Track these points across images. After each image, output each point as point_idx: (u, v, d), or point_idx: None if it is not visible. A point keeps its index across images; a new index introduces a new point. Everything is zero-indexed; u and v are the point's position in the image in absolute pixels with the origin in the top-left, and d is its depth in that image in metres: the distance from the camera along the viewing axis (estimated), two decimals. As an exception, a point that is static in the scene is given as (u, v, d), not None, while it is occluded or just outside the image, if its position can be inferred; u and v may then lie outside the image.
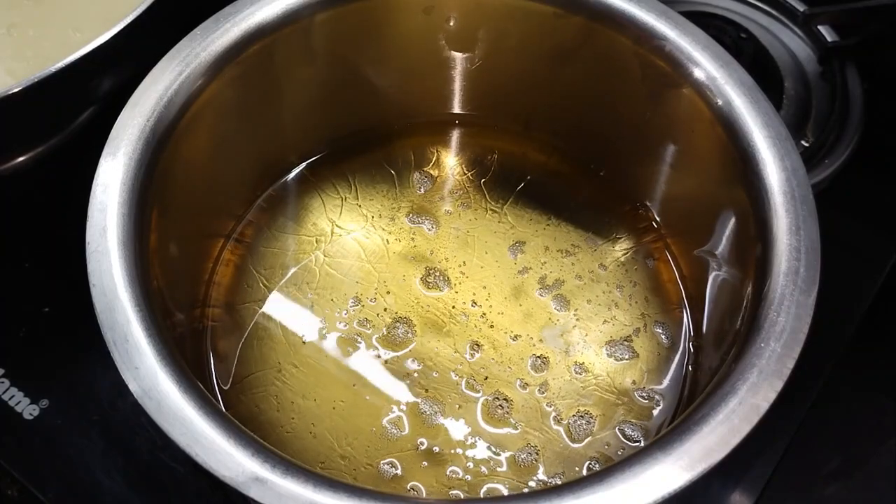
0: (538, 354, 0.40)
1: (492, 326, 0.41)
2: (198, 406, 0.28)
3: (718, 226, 0.38)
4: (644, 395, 0.39)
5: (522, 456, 0.37)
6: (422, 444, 0.38)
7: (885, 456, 0.42)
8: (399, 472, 0.37)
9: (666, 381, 0.40)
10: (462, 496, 0.36)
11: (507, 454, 0.37)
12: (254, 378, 0.39)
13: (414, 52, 0.44)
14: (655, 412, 0.39)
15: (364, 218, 0.45)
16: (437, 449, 0.37)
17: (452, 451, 0.37)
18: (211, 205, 0.42)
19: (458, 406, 0.38)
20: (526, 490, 0.36)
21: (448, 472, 0.37)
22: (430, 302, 0.42)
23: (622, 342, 0.41)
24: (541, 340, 0.40)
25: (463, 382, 0.39)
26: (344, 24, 0.40)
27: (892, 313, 0.46)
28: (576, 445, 0.38)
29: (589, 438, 0.38)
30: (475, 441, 0.38)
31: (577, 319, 0.41)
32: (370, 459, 0.37)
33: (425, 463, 0.37)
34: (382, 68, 0.45)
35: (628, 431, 0.38)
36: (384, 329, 0.41)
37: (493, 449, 0.37)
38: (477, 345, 0.40)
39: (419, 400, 0.39)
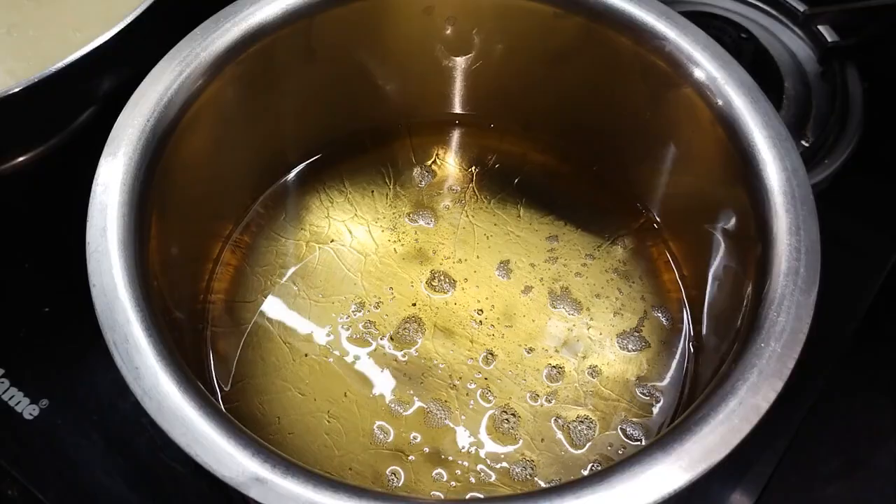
0: (554, 364, 0.40)
1: (503, 337, 0.41)
2: (198, 406, 0.28)
3: (719, 226, 0.38)
4: (645, 392, 0.39)
5: (517, 469, 0.37)
6: (415, 438, 0.38)
7: (885, 456, 0.42)
8: (383, 452, 0.37)
9: (667, 379, 0.40)
10: (442, 497, 0.36)
11: (501, 465, 0.37)
12: (254, 378, 0.39)
13: (414, 52, 0.44)
14: (656, 410, 0.39)
15: (364, 217, 0.45)
16: (427, 449, 0.37)
17: (444, 457, 0.37)
18: (211, 205, 0.42)
19: (463, 416, 0.38)
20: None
21: (434, 474, 0.37)
22: (438, 305, 0.41)
23: (633, 333, 0.41)
24: (556, 350, 0.40)
25: (478, 393, 0.39)
26: (344, 24, 0.40)
27: (892, 313, 0.46)
28: (577, 452, 0.38)
29: (590, 444, 0.38)
30: (472, 451, 0.37)
31: (591, 319, 0.41)
32: (368, 455, 0.37)
33: (412, 457, 0.37)
34: (382, 68, 0.45)
35: (629, 431, 0.38)
36: (387, 330, 0.41)
37: (489, 461, 0.37)
38: (492, 355, 0.40)
39: (422, 403, 0.39)
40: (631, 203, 0.45)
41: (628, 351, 0.40)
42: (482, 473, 0.37)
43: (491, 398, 0.39)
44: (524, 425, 0.38)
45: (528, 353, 0.40)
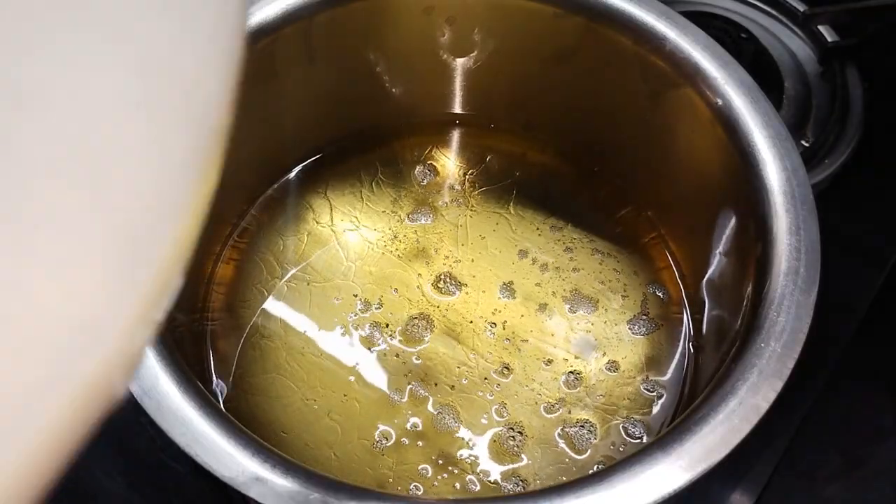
0: (572, 370, 0.40)
1: (520, 351, 0.40)
2: (198, 406, 0.28)
3: (718, 226, 0.38)
4: (649, 387, 0.39)
5: (508, 487, 0.37)
6: (416, 426, 0.37)
7: (885, 456, 0.42)
8: (374, 439, 0.37)
9: (669, 373, 0.40)
10: (420, 491, 0.36)
11: (492, 480, 0.37)
12: (254, 378, 0.39)
13: (414, 52, 0.44)
14: (657, 407, 0.39)
15: (365, 217, 0.45)
16: (421, 443, 0.37)
17: (436, 457, 0.37)
18: (211, 204, 0.42)
19: (470, 429, 0.38)
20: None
21: (420, 468, 0.37)
22: (447, 307, 0.41)
23: (641, 316, 0.41)
24: (577, 357, 0.40)
25: (493, 409, 0.39)
26: (344, 24, 0.40)
27: (892, 313, 0.45)
28: (580, 457, 0.37)
29: (591, 449, 0.38)
30: (468, 460, 0.37)
31: (606, 311, 0.41)
32: (367, 453, 0.37)
33: (406, 440, 0.37)
34: (382, 68, 0.45)
35: (631, 429, 0.38)
36: (393, 331, 0.41)
37: (481, 475, 0.37)
38: (508, 368, 0.39)
39: (431, 408, 0.39)
40: (630, 203, 0.45)
41: (641, 335, 0.40)
42: (469, 483, 0.37)
43: (505, 414, 0.38)
44: (528, 442, 0.38)
45: (547, 364, 0.40)
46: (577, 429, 0.38)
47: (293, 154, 0.46)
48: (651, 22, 0.38)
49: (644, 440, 0.38)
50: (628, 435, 0.38)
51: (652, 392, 0.39)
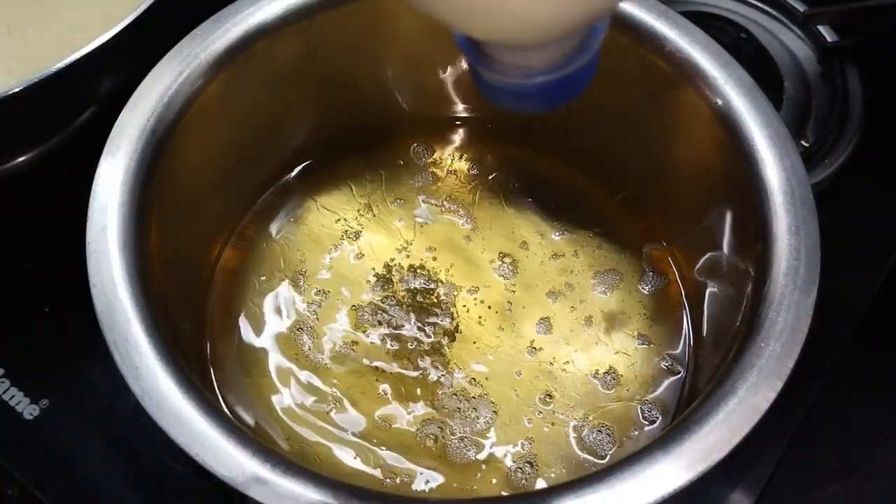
0: (607, 369, 0.40)
1: (565, 371, 0.40)
2: (198, 406, 0.28)
3: (718, 226, 0.38)
4: (667, 364, 0.39)
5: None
6: (433, 439, 0.38)
7: (885, 456, 0.42)
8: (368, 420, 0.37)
9: (679, 347, 0.40)
10: (398, 482, 0.36)
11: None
12: (255, 379, 0.39)
13: (414, 52, 0.44)
14: (668, 384, 0.39)
15: (365, 217, 0.45)
16: (413, 436, 0.37)
17: (428, 458, 0.37)
18: (211, 204, 0.42)
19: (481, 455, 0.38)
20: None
21: (406, 462, 0.37)
22: (454, 303, 0.41)
23: (648, 272, 0.42)
24: (616, 353, 0.40)
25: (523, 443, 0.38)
26: (344, 23, 0.40)
27: (892, 313, 0.46)
28: (602, 462, 0.37)
29: (610, 456, 0.37)
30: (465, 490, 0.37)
31: (622, 280, 0.42)
32: (368, 457, 0.37)
33: (414, 452, 0.37)
34: (382, 68, 0.44)
35: (647, 412, 0.38)
36: (397, 331, 0.41)
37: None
38: (549, 397, 0.39)
39: (437, 427, 0.39)
40: (630, 203, 0.45)
41: (652, 293, 0.42)
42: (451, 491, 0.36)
43: (527, 446, 0.38)
44: (541, 471, 0.37)
45: (594, 377, 0.39)
46: (595, 434, 0.38)
47: (293, 154, 0.46)
48: (651, 22, 0.38)
49: (659, 421, 0.38)
50: (644, 418, 0.38)
51: (667, 369, 0.39)
